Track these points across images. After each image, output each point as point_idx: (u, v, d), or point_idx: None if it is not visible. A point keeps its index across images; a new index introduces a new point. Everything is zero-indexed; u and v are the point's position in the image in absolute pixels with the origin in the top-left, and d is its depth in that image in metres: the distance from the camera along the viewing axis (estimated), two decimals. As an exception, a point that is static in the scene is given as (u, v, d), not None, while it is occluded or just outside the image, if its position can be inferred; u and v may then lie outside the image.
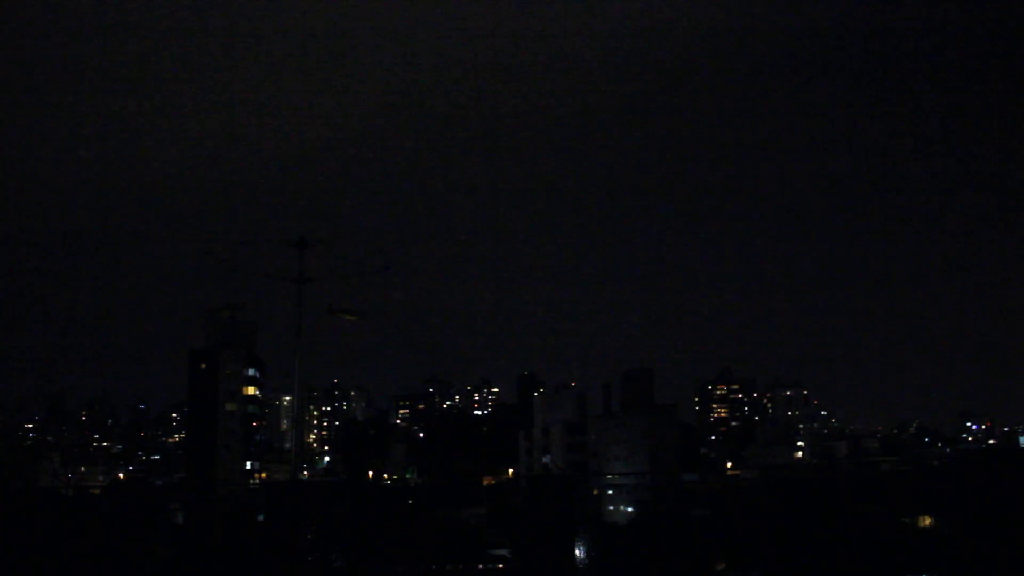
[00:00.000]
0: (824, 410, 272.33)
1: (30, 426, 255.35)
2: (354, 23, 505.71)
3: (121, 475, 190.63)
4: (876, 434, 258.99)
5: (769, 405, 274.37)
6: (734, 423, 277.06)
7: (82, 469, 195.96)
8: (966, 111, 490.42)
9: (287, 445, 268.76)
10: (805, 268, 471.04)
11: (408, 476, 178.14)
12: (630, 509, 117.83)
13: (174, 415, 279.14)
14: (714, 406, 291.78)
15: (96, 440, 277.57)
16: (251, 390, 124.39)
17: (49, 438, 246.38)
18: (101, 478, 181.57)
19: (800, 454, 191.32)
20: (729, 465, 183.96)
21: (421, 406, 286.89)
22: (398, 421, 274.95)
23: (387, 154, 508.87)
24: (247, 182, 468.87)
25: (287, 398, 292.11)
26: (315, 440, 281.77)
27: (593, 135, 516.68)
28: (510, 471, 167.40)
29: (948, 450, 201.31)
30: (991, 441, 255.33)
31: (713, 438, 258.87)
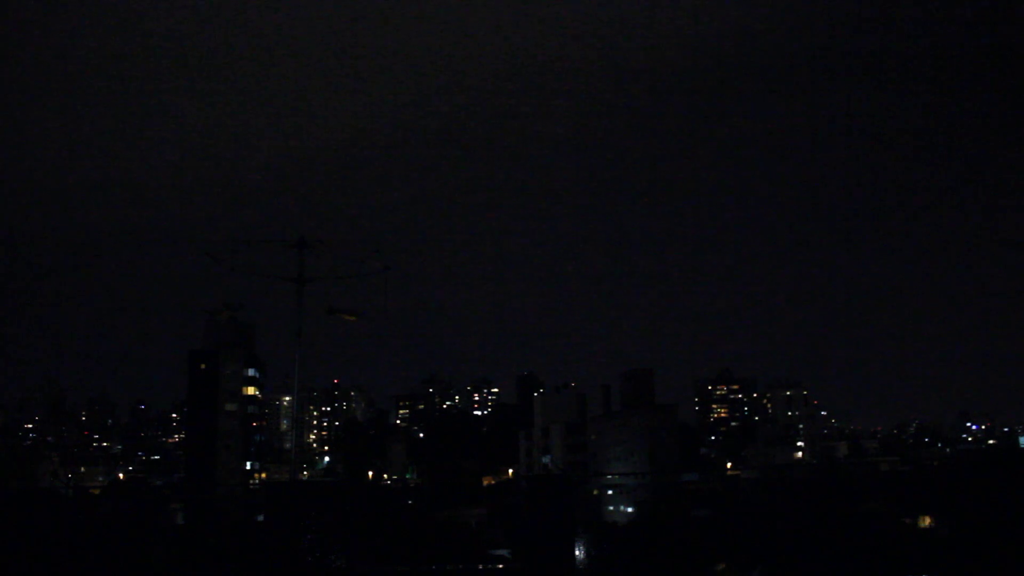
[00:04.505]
0: (824, 410, 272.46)
1: (30, 426, 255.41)
2: (356, 25, 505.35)
3: (121, 475, 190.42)
4: (876, 434, 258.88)
5: (769, 405, 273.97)
6: (734, 423, 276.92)
7: (82, 469, 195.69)
8: (968, 111, 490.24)
9: (287, 445, 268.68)
10: (805, 268, 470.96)
11: (408, 476, 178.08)
12: (630, 509, 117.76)
13: (174, 415, 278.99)
14: (714, 406, 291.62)
15: (96, 440, 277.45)
16: (251, 390, 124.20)
17: (49, 438, 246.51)
18: (101, 478, 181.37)
19: (800, 454, 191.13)
20: (729, 465, 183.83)
21: (421, 406, 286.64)
22: (398, 421, 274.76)
23: (388, 154, 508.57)
24: (247, 182, 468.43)
25: (287, 398, 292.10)
26: (315, 440, 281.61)
27: (594, 135, 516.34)
28: (510, 471, 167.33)
29: (948, 450, 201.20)
30: (991, 441, 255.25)
31: (713, 438, 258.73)
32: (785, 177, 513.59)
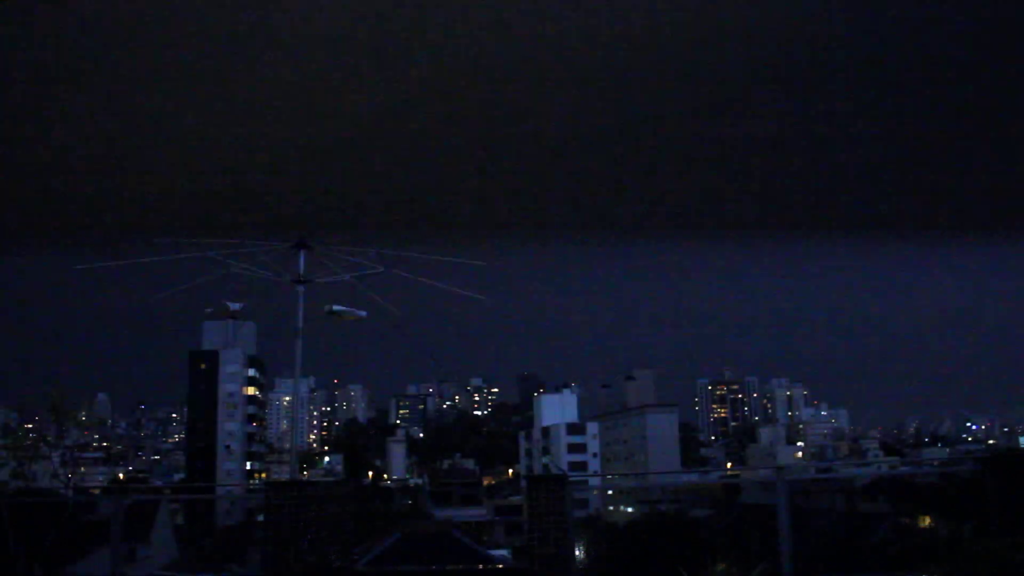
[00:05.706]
0: (824, 410, 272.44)
1: (30, 426, 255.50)
2: (357, 20, 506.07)
3: (121, 475, 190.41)
4: (876, 434, 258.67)
5: (769, 405, 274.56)
6: (734, 423, 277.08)
7: (82, 469, 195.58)
8: (968, 107, 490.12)
9: (287, 445, 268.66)
10: (805, 268, 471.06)
11: (408, 476, 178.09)
12: (630, 509, 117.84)
13: (174, 415, 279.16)
14: (714, 406, 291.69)
15: (96, 440, 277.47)
16: (251, 390, 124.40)
17: (49, 438, 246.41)
18: (101, 478, 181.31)
19: (800, 454, 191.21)
20: (729, 465, 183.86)
21: (421, 406, 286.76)
22: (398, 421, 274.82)
23: (388, 154, 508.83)
24: (247, 182, 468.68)
25: (287, 398, 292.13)
26: (315, 440, 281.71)
27: (594, 134, 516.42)
28: (510, 471, 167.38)
29: (948, 450, 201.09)
30: (991, 441, 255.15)
31: (713, 438, 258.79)
32: (786, 176, 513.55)
